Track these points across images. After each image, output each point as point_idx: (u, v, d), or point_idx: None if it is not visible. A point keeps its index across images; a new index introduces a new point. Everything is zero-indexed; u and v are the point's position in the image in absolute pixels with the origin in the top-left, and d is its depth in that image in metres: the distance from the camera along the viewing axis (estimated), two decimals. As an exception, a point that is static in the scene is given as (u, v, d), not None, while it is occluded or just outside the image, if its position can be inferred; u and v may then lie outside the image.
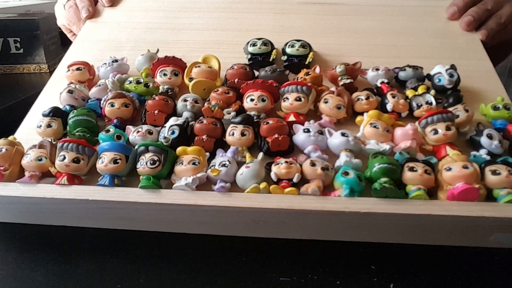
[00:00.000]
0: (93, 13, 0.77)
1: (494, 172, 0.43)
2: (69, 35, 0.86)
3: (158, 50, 0.65)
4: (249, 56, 0.64)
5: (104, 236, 0.47)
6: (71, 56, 0.69)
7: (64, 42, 1.05)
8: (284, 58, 0.64)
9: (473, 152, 0.48)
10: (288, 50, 0.64)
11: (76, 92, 0.57)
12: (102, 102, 0.55)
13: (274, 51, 0.64)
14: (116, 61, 0.62)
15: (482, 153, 0.47)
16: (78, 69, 0.61)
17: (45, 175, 0.48)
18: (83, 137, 0.50)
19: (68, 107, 0.56)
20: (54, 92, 0.60)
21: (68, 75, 0.61)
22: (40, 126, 0.52)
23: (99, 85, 0.58)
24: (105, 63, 0.62)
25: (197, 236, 0.47)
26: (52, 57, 1.03)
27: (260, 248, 0.45)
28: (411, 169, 0.44)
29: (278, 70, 0.59)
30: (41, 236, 0.48)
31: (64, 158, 0.46)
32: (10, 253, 0.45)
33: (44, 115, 0.53)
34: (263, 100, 0.53)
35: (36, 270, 0.43)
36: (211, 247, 0.46)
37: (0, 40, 0.96)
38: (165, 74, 0.58)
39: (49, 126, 0.52)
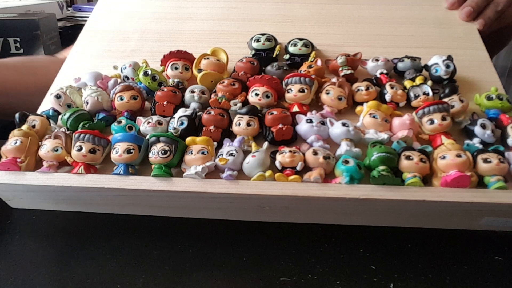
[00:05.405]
0: None
1: (485, 160, 0.46)
2: None
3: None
4: (253, 51, 0.65)
5: (103, 236, 0.48)
6: (80, 46, 0.71)
7: (64, 42, 1.05)
8: (287, 57, 0.64)
9: (467, 141, 0.50)
10: (291, 49, 0.64)
11: (64, 98, 0.57)
12: (111, 95, 0.57)
13: (278, 46, 0.65)
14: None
15: (475, 142, 0.50)
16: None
17: (61, 164, 0.51)
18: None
19: (51, 112, 0.57)
20: (66, 81, 0.62)
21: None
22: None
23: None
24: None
25: (196, 234, 0.48)
26: (52, 57, 1.03)
27: (260, 248, 0.46)
28: (408, 157, 0.47)
29: (283, 68, 0.60)
30: (40, 236, 0.49)
31: (81, 148, 0.49)
32: (10, 253, 0.46)
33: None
34: (267, 97, 0.55)
35: (36, 270, 0.43)
36: (210, 247, 0.46)
37: (0, 40, 0.96)
38: (176, 68, 0.60)
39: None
